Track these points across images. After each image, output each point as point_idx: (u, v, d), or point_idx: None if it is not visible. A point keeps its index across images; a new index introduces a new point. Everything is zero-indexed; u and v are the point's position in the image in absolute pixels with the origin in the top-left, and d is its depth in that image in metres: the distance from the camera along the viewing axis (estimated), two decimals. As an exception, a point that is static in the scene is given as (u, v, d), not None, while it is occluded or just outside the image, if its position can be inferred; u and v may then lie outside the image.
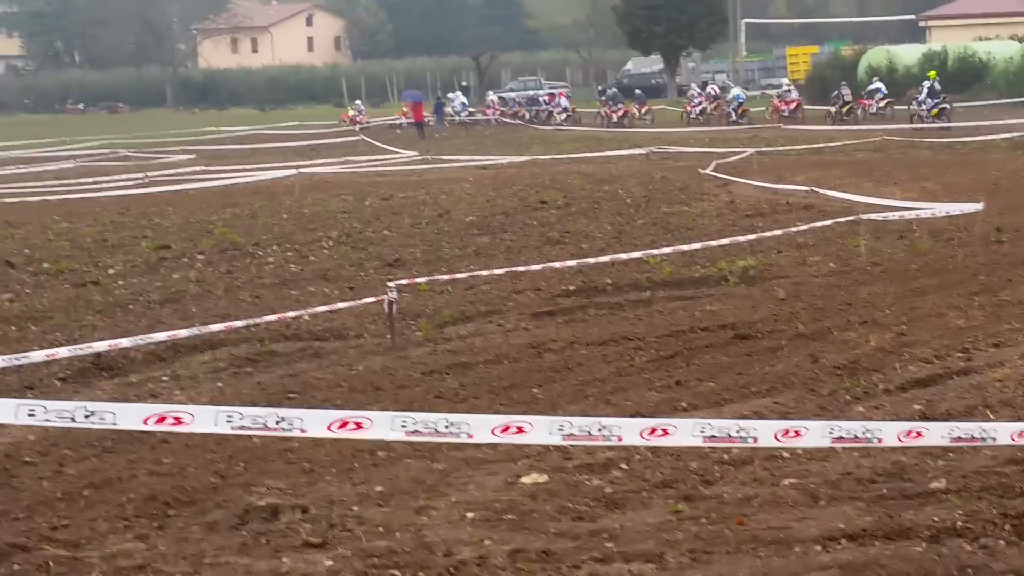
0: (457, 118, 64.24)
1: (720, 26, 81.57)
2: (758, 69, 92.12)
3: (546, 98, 67.18)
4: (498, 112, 67.13)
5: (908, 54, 66.36)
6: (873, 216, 17.83)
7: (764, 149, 36.06)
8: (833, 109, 52.68)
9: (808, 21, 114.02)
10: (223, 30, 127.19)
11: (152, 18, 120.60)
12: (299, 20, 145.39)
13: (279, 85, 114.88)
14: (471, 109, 67.65)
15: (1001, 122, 40.86)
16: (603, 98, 62.91)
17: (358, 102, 73.38)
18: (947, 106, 47.54)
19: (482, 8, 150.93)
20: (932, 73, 50.32)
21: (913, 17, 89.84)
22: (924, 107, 47.67)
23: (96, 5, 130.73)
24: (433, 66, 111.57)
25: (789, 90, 56.43)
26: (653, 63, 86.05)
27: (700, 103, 58.48)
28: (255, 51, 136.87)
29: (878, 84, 53.75)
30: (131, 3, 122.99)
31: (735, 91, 58.73)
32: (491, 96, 72.46)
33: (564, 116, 61.99)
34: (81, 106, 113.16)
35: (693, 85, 66.54)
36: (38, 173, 42.06)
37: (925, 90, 48.17)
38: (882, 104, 51.74)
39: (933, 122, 45.86)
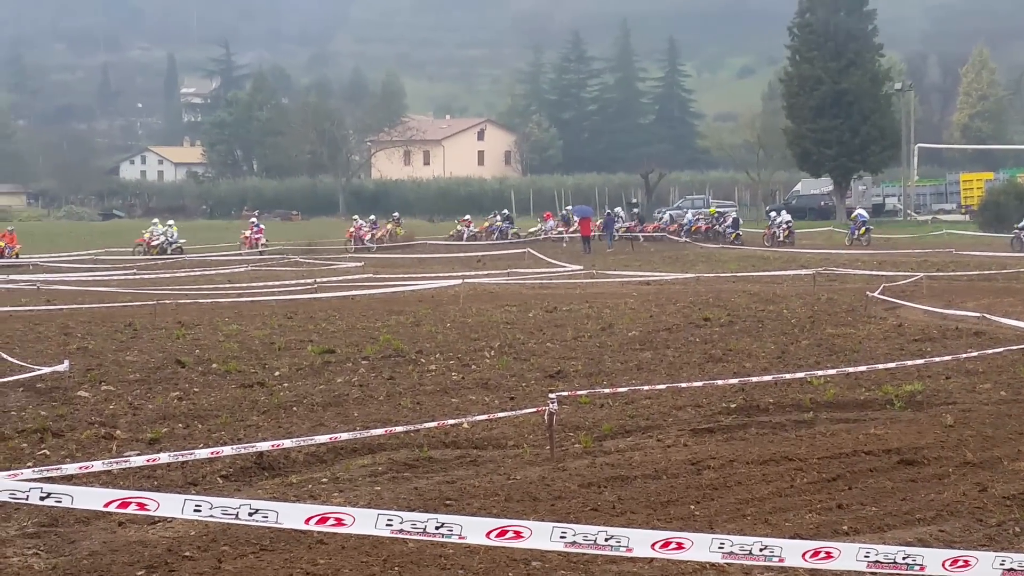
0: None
1: (893, 150, 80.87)
2: (930, 194, 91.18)
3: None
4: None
5: (1087, 181, 65.07)
6: (1047, 345, 17.39)
7: (934, 274, 35.52)
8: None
9: (983, 148, 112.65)
10: (397, 143, 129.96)
11: (329, 130, 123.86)
12: (471, 134, 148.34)
13: (448, 196, 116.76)
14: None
15: None
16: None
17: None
18: None
19: (653, 127, 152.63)
20: None
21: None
22: None
23: (276, 116, 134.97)
24: (601, 182, 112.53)
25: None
26: (823, 184, 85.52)
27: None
28: (427, 163, 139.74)
29: None
30: (309, 115, 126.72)
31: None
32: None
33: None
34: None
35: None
36: (212, 276, 43.25)
37: None
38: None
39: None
